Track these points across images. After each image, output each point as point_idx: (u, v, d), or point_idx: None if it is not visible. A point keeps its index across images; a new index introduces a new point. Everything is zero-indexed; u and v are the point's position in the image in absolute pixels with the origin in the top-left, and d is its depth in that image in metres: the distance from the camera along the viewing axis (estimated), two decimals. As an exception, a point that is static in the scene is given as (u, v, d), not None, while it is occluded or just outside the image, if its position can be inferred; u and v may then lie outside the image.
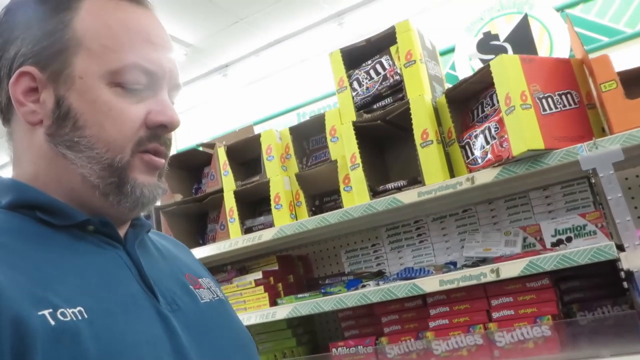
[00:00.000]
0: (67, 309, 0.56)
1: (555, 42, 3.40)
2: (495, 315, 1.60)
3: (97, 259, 0.65)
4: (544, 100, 1.46)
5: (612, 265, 1.64)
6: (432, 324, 1.70)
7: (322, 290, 1.89)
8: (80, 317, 0.56)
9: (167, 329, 0.64)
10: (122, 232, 0.72)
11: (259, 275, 2.03)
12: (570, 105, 1.50)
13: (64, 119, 0.65)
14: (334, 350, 1.92)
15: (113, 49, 0.66)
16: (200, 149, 2.35)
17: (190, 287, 0.75)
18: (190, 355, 0.63)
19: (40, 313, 0.54)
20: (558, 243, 1.65)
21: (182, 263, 0.81)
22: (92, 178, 0.65)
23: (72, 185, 0.66)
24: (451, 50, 3.72)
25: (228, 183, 2.11)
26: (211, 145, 2.28)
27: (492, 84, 1.52)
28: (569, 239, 1.64)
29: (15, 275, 0.56)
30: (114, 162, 0.65)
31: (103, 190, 0.66)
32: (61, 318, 0.54)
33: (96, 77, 0.65)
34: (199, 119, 5.83)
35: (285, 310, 1.82)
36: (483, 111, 1.66)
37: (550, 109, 1.46)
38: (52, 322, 0.54)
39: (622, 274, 1.64)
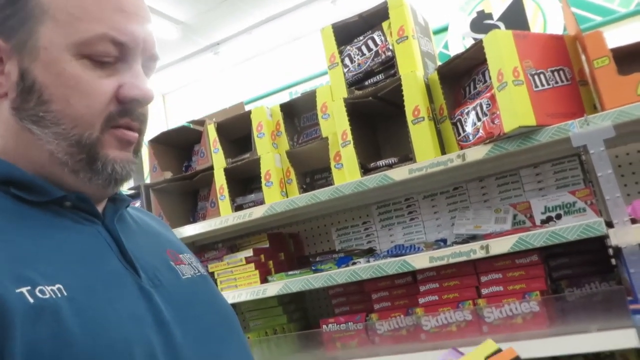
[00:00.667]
0: (46, 287, 0.54)
1: (549, 21, 3.37)
2: (484, 291, 1.62)
3: (75, 235, 0.63)
4: (536, 77, 1.45)
5: (600, 242, 1.65)
6: (421, 301, 1.71)
7: (313, 268, 1.90)
8: (59, 295, 0.54)
9: (150, 305, 0.63)
10: (100, 207, 0.69)
11: (249, 252, 2.03)
12: (562, 81, 1.49)
13: (29, 93, 0.61)
14: (324, 326, 1.93)
15: (80, 18, 0.61)
16: (191, 126, 2.32)
17: (172, 263, 0.74)
18: (173, 330, 0.62)
19: (18, 290, 0.52)
20: (548, 220, 1.66)
21: (163, 238, 0.80)
22: (60, 155, 0.62)
23: (41, 162, 0.63)
24: (444, 29, 3.69)
25: (218, 160, 2.09)
26: (201, 122, 2.25)
27: (485, 60, 1.51)
28: (558, 216, 1.64)
29: None
30: (82, 139, 0.62)
31: (72, 167, 0.63)
32: (40, 295, 0.53)
33: (62, 48, 0.61)
34: (190, 98, 5.78)
35: (276, 287, 1.83)
36: (475, 88, 1.65)
37: (543, 85, 1.45)
38: (31, 300, 0.52)
39: (610, 251, 1.65)
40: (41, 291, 0.53)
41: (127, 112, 0.65)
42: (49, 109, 0.61)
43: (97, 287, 0.59)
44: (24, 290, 0.52)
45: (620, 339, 1.24)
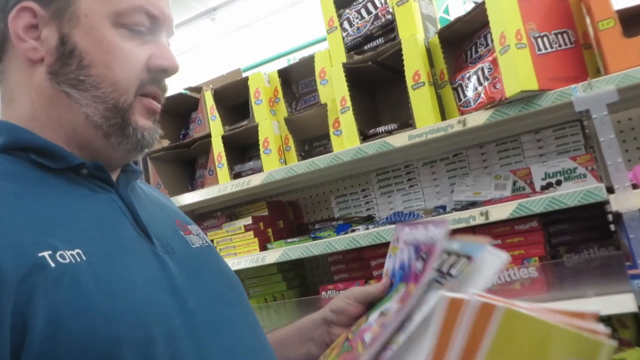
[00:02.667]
0: (66, 251, 0.56)
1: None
2: (483, 257, 1.62)
3: (92, 202, 0.66)
4: (539, 40, 1.42)
5: (600, 208, 1.64)
6: (420, 267, 1.72)
7: (312, 235, 1.90)
8: (79, 259, 0.57)
9: (164, 271, 0.65)
10: (113, 177, 0.72)
11: (248, 220, 2.03)
12: (566, 45, 1.45)
13: (69, 57, 0.64)
14: (323, 293, 1.95)
15: None
16: (188, 93, 2.29)
17: (181, 232, 0.77)
18: (186, 295, 0.65)
19: (40, 254, 0.54)
20: (548, 186, 1.65)
21: (170, 210, 0.83)
22: (96, 118, 0.65)
23: (74, 125, 0.66)
24: (445, -8, 3.61)
25: (216, 128, 2.07)
26: (198, 89, 2.22)
27: (487, 23, 1.47)
28: (558, 182, 1.63)
29: (14, 217, 0.56)
30: (118, 103, 0.66)
31: (106, 131, 0.66)
32: (60, 260, 0.55)
33: (102, 16, 0.65)
34: (187, 66, 5.70)
35: (275, 254, 1.83)
36: (477, 52, 1.61)
37: (546, 48, 1.42)
38: (52, 264, 0.54)
39: (610, 217, 1.65)
40: (61, 256, 0.56)
41: (155, 80, 0.70)
42: (89, 73, 0.65)
43: (114, 253, 0.61)
44: (45, 254, 0.55)
45: (618, 303, 1.24)
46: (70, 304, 0.54)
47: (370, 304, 0.86)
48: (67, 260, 0.56)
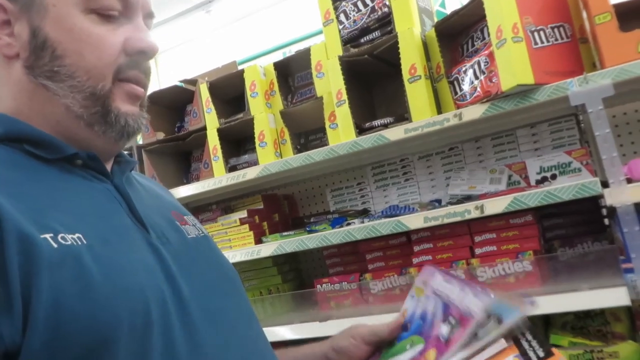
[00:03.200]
0: (67, 235, 0.57)
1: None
2: (478, 251, 1.62)
3: (88, 191, 0.66)
4: (535, 34, 1.42)
5: (594, 202, 1.65)
6: (415, 261, 1.72)
7: (307, 229, 1.90)
8: (79, 242, 0.58)
9: (159, 259, 0.66)
10: (107, 167, 0.72)
11: (244, 214, 2.02)
12: (562, 39, 1.45)
13: (42, 49, 0.64)
14: (318, 286, 1.95)
15: None
16: (183, 85, 2.28)
17: (177, 223, 0.77)
18: (180, 283, 0.65)
19: (42, 236, 0.55)
20: (543, 180, 1.65)
21: (166, 201, 0.83)
22: (76, 108, 0.65)
23: (56, 118, 0.66)
24: (442, -14, 3.60)
25: (211, 121, 2.06)
26: (193, 81, 2.21)
27: (484, 17, 1.46)
28: (553, 177, 1.64)
29: (14, 202, 0.57)
30: (96, 90, 0.65)
31: (87, 121, 0.66)
32: (62, 242, 0.56)
33: (70, 4, 0.64)
34: (182, 59, 5.67)
35: (270, 247, 1.83)
36: (473, 45, 1.61)
37: (542, 42, 1.42)
38: (55, 245, 0.55)
39: (604, 211, 1.65)
40: (63, 238, 0.57)
41: (134, 64, 0.68)
42: (62, 63, 0.64)
43: (112, 239, 0.62)
44: (47, 236, 0.56)
45: (611, 296, 1.25)
46: (73, 284, 0.55)
47: (377, 345, 0.83)
48: (69, 242, 0.57)
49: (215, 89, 2.07)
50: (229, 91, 2.09)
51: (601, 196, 1.33)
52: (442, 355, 0.64)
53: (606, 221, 1.65)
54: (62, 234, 0.57)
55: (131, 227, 0.67)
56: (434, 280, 0.77)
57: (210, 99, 2.05)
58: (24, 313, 0.52)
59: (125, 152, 0.79)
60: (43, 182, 0.63)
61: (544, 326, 1.60)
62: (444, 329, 0.68)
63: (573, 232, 1.66)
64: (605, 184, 1.32)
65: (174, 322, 0.62)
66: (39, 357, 0.52)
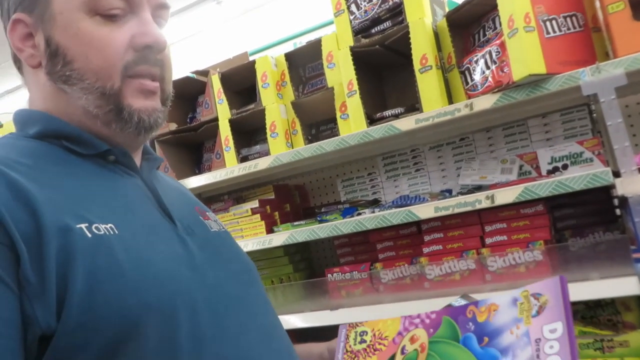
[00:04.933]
0: (100, 225, 0.61)
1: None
2: (488, 241, 1.63)
3: (120, 185, 0.70)
4: (548, 23, 1.41)
5: (605, 192, 1.65)
6: (426, 250, 1.73)
7: (318, 218, 1.91)
8: (112, 232, 0.61)
9: (186, 249, 0.69)
10: (137, 161, 0.77)
11: (255, 204, 2.04)
12: (574, 28, 1.44)
13: (55, 56, 0.68)
14: (329, 275, 1.97)
15: None
16: (195, 77, 2.29)
17: (200, 217, 0.81)
18: (206, 272, 0.69)
19: (78, 226, 0.59)
20: (554, 170, 1.65)
21: (189, 197, 0.88)
22: (91, 108, 0.68)
23: (79, 118, 0.70)
24: (453, -24, 3.57)
25: (223, 111, 2.07)
26: (205, 72, 2.22)
27: (496, 6, 1.46)
28: (564, 167, 1.63)
29: (53, 194, 0.60)
30: (105, 90, 0.67)
31: (103, 119, 0.69)
32: (96, 232, 0.60)
33: (74, 10, 0.67)
34: (193, 50, 5.68)
35: (281, 237, 1.85)
36: (485, 35, 1.61)
37: (554, 32, 1.41)
38: (89, 235, 0.59)
39: (616, 201, 1.65)
40: (97, 228, 0.60)
41: (142, 59, 0.69)
42: (73, 67, 0.67)
43: (142, 230, 0.66)
44: (82, 226, 0.59)
45: (622, 286, 1.25)
46: (106, 271, 0.58)
47: None
48: (102, 232, 0.60)
49: (227, 79, 2.09)
50: (241, 82, 2.10)
51: (613, 186, 1.33)
52: None
53: (617, 211, 1.65)
54: (96, 224, 0.61)
55: (160, 219, 0.71)
56: (551, 326, 0.64)
57: (222, 90, 2.06)
58: (60, 298, 0.55)
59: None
60: (79, 176, 0.67)
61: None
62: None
63: (584, 222, 1.66)
64: (617, 174, 1.32)
65: (200, 307, 0.65)
66: (73, 339, 0.55)
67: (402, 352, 0.74)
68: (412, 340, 0.74)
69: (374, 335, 0.80)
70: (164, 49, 0.70)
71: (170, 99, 0.75)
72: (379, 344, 0.77)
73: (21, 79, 0.76)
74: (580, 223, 1.67)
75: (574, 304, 1.55)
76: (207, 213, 0.85)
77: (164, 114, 0.74)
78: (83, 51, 0.67)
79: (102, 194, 0.67)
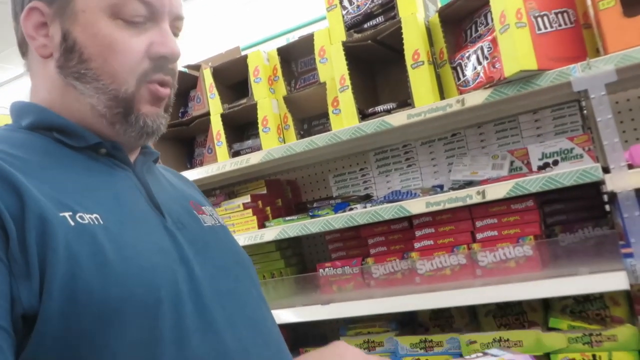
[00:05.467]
0: (85, 214, 0.61)
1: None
2: (479, 236, 1.64)
3: (109, 177, 0.71)
4: (539, 19, 1.41)
5: (595, 188, 1.66)
6: (417, 245, 1.74)
7: (310, 213, 1.91)
8: (97, 222, 0.62)
9: (174, 243, 0.70)
10: (132, 157, 0.77)
11: (247, 199, 2.04)
12: (566, 24, 1.45)
13: (70, 52, 0.69)
14: (321, 270, 1.97)
15: None
16: (187, 71, 2.28)
17: (194, 212, 0.81)
18: (193, 265, 0.69)
19: (61, 214, 0.59)
20: (545, 166, 1.66)
21: (186, 192, 0.87)
22: (100, 107, 0.69)
23: (82, 114, 0.71)
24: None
25: (215, 106, 2.06)
26: (197, 67, 2.21)
27: (487, 3, 1.47)
28: (555, 163, 1.64)
29: (39, 184, 0.61)
30: (119, 94, 0.69)
31: (110, 120, 0.70)
32: (80, 220, 0.61)
33: (98, 10, 0.68)
34: (184, 45, 5.65)
35: (273, 232, 1.85)
36: (477, 31, 1.61)
37: (546, 28, 1.42)
38: (72, 223, 0.60)
39: (605, 197, 1.66)
40: (81, 217, 0.61)
41: (158, 68, 0.71)
42: (89, 67, 0.68)
43: (128, 221, 0.66)
44: (66, 214, 0.60)
45: (610, 281, 1.27)
46: (88, 259, 0.58)
47: None
48: (87, 222, 0.61)
49: (219, 74, 2.08)
50: (233, 76, 2.10)
51: (602, 182, 1.34)
52: None
53: (607, 207, 1.66)
54: (81, 214, 0.61)
55: (149, 212, 0.71)
56: None
57: (214, 84, 2.05)
58: (40, 281, 0.56)
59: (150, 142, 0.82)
60: (68, 167, 0.68)
61: (544, 310, 1.62)
62: None
63: (574, 218, 1.67)
64: (606, 170, 1.33)
65: (185, 300, 0.65)
66: (55, 324, 0.55)
67: None
68: None
69: None
70: (177, 60, 0.73)
71: (171, 106, 0.77)
72: None
73: (24, 64, 0.76)
74: (570, 218, 1.68)
75: (564, 298, 1.57)
76: (202, 207, 0.84)
77: (166, 120, 0.76)
78: (101, 52, 0.68)
79: (90, 185, 0.67)
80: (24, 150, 0.66)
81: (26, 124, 0.71)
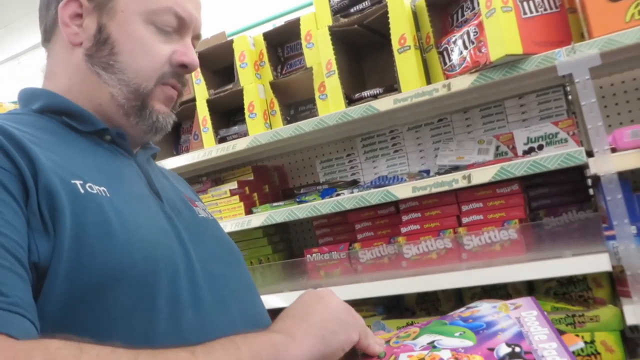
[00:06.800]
0: (94, 185, 0.66)
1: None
2: (465, 220, 1.65)
3: (113, 162, 0.76)
4: (525, 3, 1.42)
5: (579, 173, 1.68)
6: (403, 230, 1.75)
7: (297, 199, 1.91)
8: (104, 194, 0.66)
9: (172, 225, 0.74)
10: (134, 150, 0.82)
11: (234, 185, 2.03)
12: (551, 8, 1.46)
13: (103, 44, 0.75)
14: (308, 256, 1.97)
15: None
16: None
17: (189, 203, 0.86)
18: (189, 247, 0.73)
19: (73, 182, 0.64)
20: (530, 151, 1.67)
21: (179, 188, 0.91)
22: (120, 98, 0.76)
23: (100, 101, 0.76)
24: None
25: (201, 92, 2.05)
26: (182, 52, 2.18)
27: (474, -14, 1.46)
28: (540, 147, 1.66)
29: (48, 153, 0.65)
30: (140, 88, 0.76)
31: (126, 111, 0.76)
32: (89, 190, 0.65)
33: (135, 13, 0.75)
34: (170, 30, 5.58)
35: (260, 218, 1.84)
36: (463, 15, 1.61)
37: (531, 12, 1.42)
38: (82, 191, 0.64)
39: (589, 181, 1.68)
40: (90, 187, 0.65)
41: (176, 74, 0.79)
42: (118, 59, 0.75)
43: (132, 199, 0.71)
44: (77, 182, 0.64)
45: (593, 263, 1.29)
46: (94, 227, 0.62)
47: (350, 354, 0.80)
48: (95, 192, 0.65)
49: (205, 59, 2.05)
50: (218, 62, 2.08)
51: (586, 166, 1.35)
52: None
53: (591, 191, 1.68)
54: (90, 184, 0.65)
55: (149, 196, 0.76)
56: (527, 312, 0.72)
57: (199, 70, 2.03)
58: (53, 241, 0.59)
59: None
60: (75, 147, 0.72)
61: (528, 292, 1.64)
62: (503, 349, 0.63)
63: (558, 202, 1.69)
64: (590, 154, 1.34)
65: (182, 276, 0.68)
66: (61, 284, 0.58)
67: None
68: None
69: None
70: (194, 70, 0.81)
71: (176, 109, 0.84)
72: None
73: (44, 45, 0.81)
74: (554, 202, 1.70)
75: (548, 280, 1.59)
76: (196, 202, 0.89)
77: (173, 120, 0.82)
78: (132, 49, 0.75)
79: (96, 163, 0.72)
80: (33, 129, 0.70)
81: (36, 107, 0.75)
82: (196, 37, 0.84)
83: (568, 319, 1.40)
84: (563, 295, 1.56)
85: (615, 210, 1.30)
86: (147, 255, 0.65)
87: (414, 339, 0.73)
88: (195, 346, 0.57)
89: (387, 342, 0.75)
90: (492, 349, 0.63)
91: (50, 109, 0.75)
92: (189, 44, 0.81)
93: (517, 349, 0.62)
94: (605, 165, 1.30)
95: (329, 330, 0.66)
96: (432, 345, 0.68)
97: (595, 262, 1.28)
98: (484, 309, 0.76)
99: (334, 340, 0.66)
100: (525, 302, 0.76)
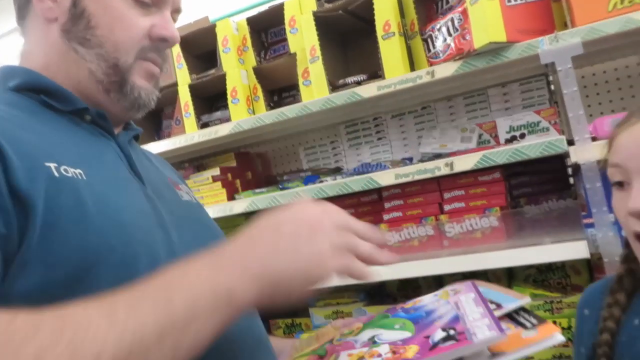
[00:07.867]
0: (69, 168, 0.63)
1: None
2: (447, 207, 1.66)
3: (92, 143, 0.73)
4: (509, -9, 1.41)
5: (561, 162, 1.69)
6: (386, 217, 1.75)
7: (280, 186, 1.90)
8: (80, 177, 0.63)
9: (153, 208, 0.71)
10: (115, 130, 0.79)
11: (216, 171, 2.02)
12: (535, -4, 1.46)
13: (79, 18, 0.72)
14: (291, 243, 1.97)
15: None
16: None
17: (172, 187, 0.84)
18: (170, 231, 0.71)
19: (47, 164, 0.60)
20: (512, 139, 1.68)
21: (162, 171, 0.89)
22: (98, 74, 0.73)
23: (79, 78, 0.74)
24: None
25: (182, 76, 2.02)
26: (164, 36, 2.15)
27: (459, -27, 1.46)
28: (522, 136, 1.67)
29: (23, 134, 0.62)
30: (119, 62, 0.73)
31: (106, 87, 0.74)
32: (64, 173, 0.61)
33: None
34: (153, 15, 5.49)
35: (243, 204, 1.83)
36: (448, 2, 1.60)
37: (515, 0, 1.42)
38: (56, 174, 0.60)
39: (570, 170, 1.70)
40: (65, 170, 0.62)
41: (156, 48, 0.76)
42: (94, 33, 0.72)
43: (111, 182, 0.68)
44: (51, 165, 0.61)
45: (572, 250, 1.30)
46: (68, 211, 0.59)
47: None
48: (70, 175, 0.62)
49: (187, 44, 2.02)
50: (201, 46, 2.05)
51: (567, 155, 1.37)
52: (421, 358, 0.61)
53: (571, 180, 1.70)
54: (65, 167, 0.62)
55: (130, 178, 0.73)
56: (465, 295, 0.74)
57: (181, 54, 2.00)
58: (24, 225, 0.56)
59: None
60: (53, 127, 0.69)
61: (508, 279, 1.66)
62: (438, 335, 0.64)
63: (539, 190, 1.71)
64: (571, 142, 1.35)
65: (162, 260, 0.66)
66: (35, 269, 0.56)
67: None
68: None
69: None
70: (174, 45, 0.78)
71: (159, 85, 0.82)
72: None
73: (19, 23, 0.78)
74: (535, 191, 1.71)
75: (527, 267, 1.61)
76: (179, 185, 0.87)
77: (156, 97, 0.79)
78: (109, 23, 0.72)
79: (74, 144, 0.69)
80: (9, 107, 0.67)
81: (13, 85, 0.72)
82: (176, 10, 0.81)
83: (546, 305, 1.42)
84: (542, 282, 1.59)
85: (594, 198, 1.31)
86: (126, 239, 0.63)
87: (356, 335, 0.74)
88: (122, 296, 0.52)
89: (331, 341, 0.76)
90: (428, 337, 0.64)
91: (28, 87, 0.72)
92: (169, 17, 0.78)
93: (452, 332, 0.63)
94: (586, 153, 1.32)
95: (281, 267, 0.58)
96: (372, 341, 0.69)
97: (573, 250, 1.30)
98: (426, 298, 0.79)
99: (285, 280, 0.58)
100: (465, 286, 0.78)
